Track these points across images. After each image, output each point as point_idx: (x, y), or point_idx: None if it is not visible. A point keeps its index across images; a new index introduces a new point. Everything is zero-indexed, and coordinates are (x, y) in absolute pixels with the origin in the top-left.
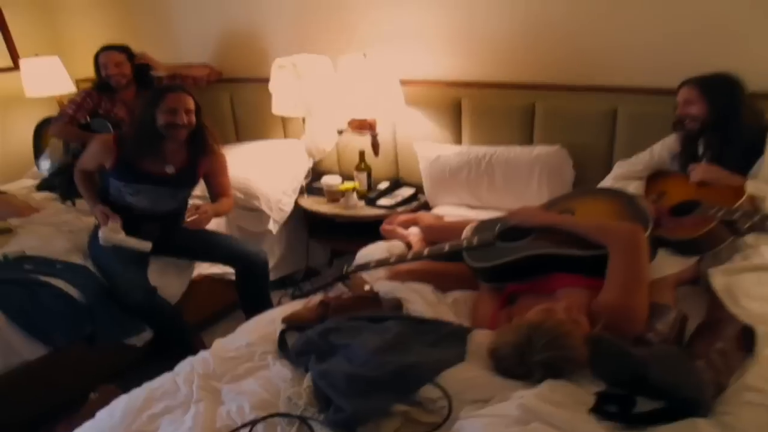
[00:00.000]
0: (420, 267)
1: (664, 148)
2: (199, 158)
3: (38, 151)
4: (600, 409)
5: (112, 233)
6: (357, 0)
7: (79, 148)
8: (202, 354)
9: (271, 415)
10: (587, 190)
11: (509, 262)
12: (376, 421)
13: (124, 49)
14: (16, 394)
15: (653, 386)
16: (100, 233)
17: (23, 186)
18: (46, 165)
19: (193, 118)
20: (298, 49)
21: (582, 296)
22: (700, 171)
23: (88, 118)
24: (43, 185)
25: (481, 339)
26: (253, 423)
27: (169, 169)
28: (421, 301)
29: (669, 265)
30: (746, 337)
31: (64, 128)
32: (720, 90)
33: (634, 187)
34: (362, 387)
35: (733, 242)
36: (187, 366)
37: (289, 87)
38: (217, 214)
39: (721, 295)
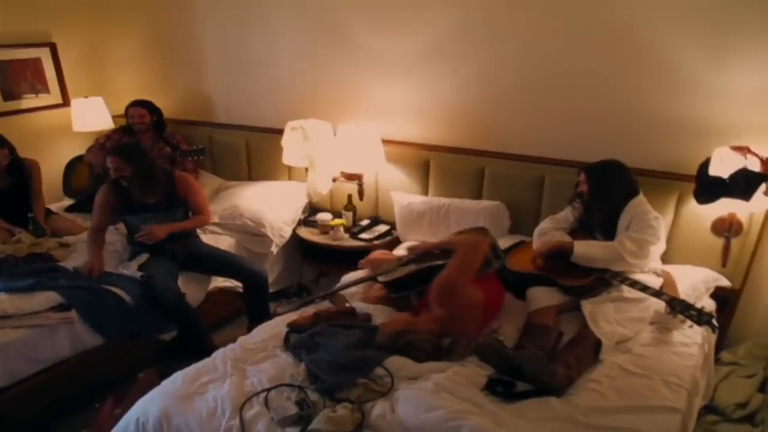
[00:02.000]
0: (383, 294)
1: (576, 209)
2: (171, 187)
3: (67, 184)
4: (490, 387)
5: None
6: (355, 81)
7: (102, 173)
8: (231, 345)
9: (279, 385)
10: (469, 229)
11: (406, 274)
12: (346, 390)
13: (146, 104)
14: (80, 371)
15: (525, 376)
16: None
17: (61, 206)
18: None
19: (124, 174)
20: (305, 113)
21: None
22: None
23: None
24: (73, 208)
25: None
26: (268, 389)
27: (150, 199)
28: (381, 316)
29: (554, 297)
30: (598, 348)
31: (97, 153)
32: (598, 175)
33: (561, 235)
34: (337, 368)
35: (603, 291)
36: (221, 353)
37: (297, 144)
38: (183, 229)
39: (587, 319)
